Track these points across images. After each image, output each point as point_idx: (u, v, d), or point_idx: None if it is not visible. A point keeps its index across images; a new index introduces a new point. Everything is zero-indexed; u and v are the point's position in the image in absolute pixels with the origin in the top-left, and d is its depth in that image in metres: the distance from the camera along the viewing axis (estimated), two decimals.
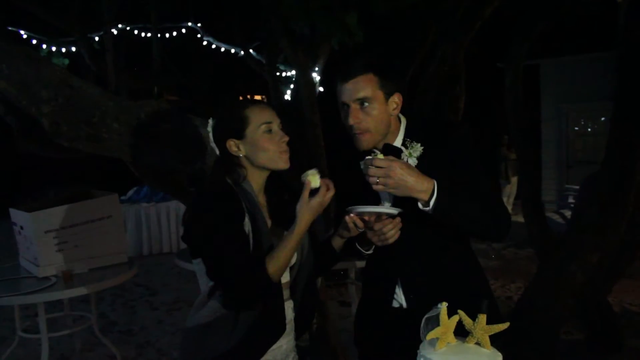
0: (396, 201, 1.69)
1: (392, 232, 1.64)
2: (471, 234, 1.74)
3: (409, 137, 1.76)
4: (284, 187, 1.79)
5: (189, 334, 1.68)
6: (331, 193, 1.62)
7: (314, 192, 1.61)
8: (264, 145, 1.64)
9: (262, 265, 1.57)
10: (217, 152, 1.69)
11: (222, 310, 1.62)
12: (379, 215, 1.63)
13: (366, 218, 1.63)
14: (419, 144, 1.72)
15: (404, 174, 1.56)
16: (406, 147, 1.72)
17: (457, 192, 1.63)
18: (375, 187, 1.58)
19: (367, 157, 1.59)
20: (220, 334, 1.61)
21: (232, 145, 1.65)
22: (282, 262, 1.60)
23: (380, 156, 1.58)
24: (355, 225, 1.65)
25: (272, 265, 1.57)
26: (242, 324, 1.60)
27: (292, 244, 1.60)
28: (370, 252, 1.79)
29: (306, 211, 1.60)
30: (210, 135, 1.70)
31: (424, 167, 1.67)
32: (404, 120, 1.81)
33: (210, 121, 1.70)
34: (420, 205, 1.61)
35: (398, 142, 1.77)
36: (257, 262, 1.57)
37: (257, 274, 1.56)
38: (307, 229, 1.63)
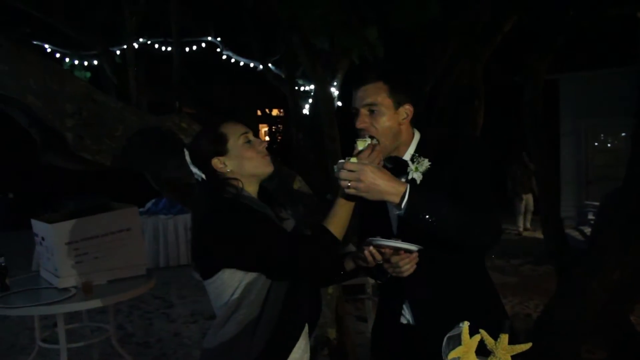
0: (409, 235, 1.67)
1: (407, 266, 1.65)
2: (453, 241, 1.67)
3: (420, 151, 1.76)
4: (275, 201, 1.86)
5: (207, 354, 1.69)
6: (375, 155, 1.62)
7: None
8: (248, 154, 1.71)
9: (323, 228, 1.64)
10: (203, 176, 1.72)
11: (243, 325, 1.62)
12: (397, 249, 1.63)
13: (384, 250, 1.63)
14: (427, 160, 1.72)
15: (375, 178, 1.55)
16: (413, 162, 1.73)
17: (438, 197, 1.61)
18: (347, 191, 1.58)
19: (340, 161, 1.59)
20: (241, 348, 1.62)
21: (217, 162, 1.70)
22: (337, 220, 1.66)
23: (353, 160, 1.58)
24: (374, 257, 1.64)
25: (331, 225, 1.65)
26: (261, 333, 1.61)
27: (340, 205, 1.66)
28: (387, 278, 1.77)
29: None
30: (189, 160, 1.74)
31: (429, 182, 1.69)
32: (417, 134, 1.81)
33: (186, 151, 1.75)
34: (395, 209, 1.61)
35: (408, 155, 1.77)
36: (318, 229, 1.65)
37: (323, 236, 1.63)
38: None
